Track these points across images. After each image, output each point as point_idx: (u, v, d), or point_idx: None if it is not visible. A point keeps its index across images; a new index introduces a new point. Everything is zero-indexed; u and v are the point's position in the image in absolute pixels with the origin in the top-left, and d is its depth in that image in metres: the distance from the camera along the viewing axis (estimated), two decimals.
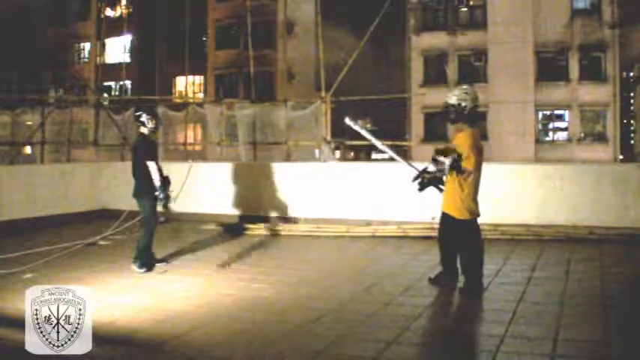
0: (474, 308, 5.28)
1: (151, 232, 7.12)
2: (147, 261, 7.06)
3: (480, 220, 5.97)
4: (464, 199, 5.76)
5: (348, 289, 6.09)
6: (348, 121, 6.32)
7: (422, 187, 5.83)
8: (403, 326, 5.02)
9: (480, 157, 5.76)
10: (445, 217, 5.96)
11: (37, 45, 39.16)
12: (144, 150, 7.14)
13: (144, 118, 7.18)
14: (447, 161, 5.60)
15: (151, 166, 6.98)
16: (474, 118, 5.87)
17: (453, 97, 5.84)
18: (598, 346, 4.35)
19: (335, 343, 4.44)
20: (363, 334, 4.72)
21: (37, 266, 7.10)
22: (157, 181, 6.96)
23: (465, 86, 6.17)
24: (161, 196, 6.97)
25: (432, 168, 5.86)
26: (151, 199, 7.06)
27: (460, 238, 5.89)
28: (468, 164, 5.62)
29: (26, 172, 11.41)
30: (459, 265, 6.03)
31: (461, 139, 5.78)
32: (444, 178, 5.82)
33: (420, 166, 6.01)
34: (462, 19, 32.20)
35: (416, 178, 5.83)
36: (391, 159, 6.33)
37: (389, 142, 8.42)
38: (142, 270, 6.96)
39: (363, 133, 6.30)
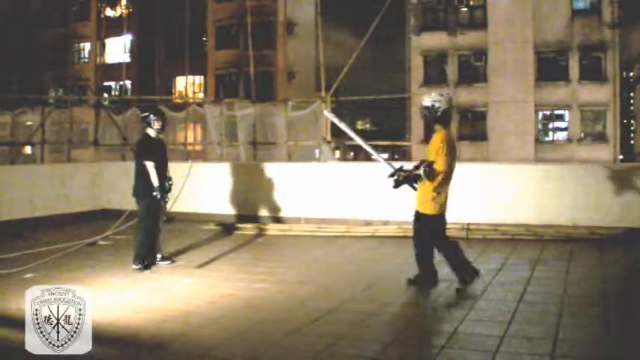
0: (473, 308, 5.28)
1: (147, 231, 7.10)
2: (143, 260, 7.07)
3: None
4: (431, 195, 5.98)
5: (348, 289, 6.09)
6: (326, 112, 6.72)
7: (397, 184, 6.19)
8: (403, 326, 5.03)
9: (450, 156, 5.97)
10: (416, 215, 6.19)
11: (37, 45, 39.14)
12: (142, 149, 7.22)
13: (150, 118, 7.23)
14: (421, 172, 5.94)
15: (150, 165, 7.01)
16: (447, 119, 6.15)
17: (428, 99, 6.13)
18: (598, 346, 4.36)
19: (335, 343, 4.44)
20: (363, 334, 4.72)
21: (37, 266, 7.09)
22: (155, 180, 6.99)
23: (440, 91, 6.54)
24: (158, 195, 7.02)
25: (407, 167, 6.23)
26: (146, 199, 7.09)
27: (422, 232, 6.13)
28: (438, 165, 5.89)
29: (26, 172, 11.41)
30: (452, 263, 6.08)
31: (434, 138, 6.07)
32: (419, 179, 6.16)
33: (398, 165, 6.36)
34: (461, 19, 32.16)
35: (391, 176, 6.18)
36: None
37: (388, 142, 8.59)
38: (138, 267, 7.00)
39: (342, 126, 6.73)
